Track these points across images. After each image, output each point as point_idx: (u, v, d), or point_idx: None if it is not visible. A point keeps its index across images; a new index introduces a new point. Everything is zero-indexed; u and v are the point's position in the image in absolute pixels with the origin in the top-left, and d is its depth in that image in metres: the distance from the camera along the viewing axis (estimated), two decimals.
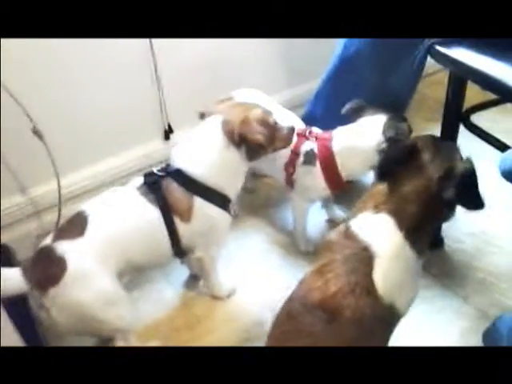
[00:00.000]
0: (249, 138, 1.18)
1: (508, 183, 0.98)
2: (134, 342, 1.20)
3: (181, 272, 1.49)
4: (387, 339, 0.99)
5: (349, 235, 0.95)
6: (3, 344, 0.76)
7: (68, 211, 1.40)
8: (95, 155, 1.58)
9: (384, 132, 1.31)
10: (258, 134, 1.18)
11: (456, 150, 0.98)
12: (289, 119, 1.38)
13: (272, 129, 1.23)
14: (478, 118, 1.39)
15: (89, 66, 1.44)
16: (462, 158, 0.97)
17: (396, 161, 0.97)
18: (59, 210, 1.45)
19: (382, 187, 0.97)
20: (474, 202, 0.95)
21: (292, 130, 1.30)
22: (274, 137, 1.25)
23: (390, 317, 0.95)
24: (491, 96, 1.37)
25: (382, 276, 0.91)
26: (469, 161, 0.95)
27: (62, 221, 1.19)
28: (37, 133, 1.33)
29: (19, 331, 0.84)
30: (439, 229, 1.48)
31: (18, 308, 0.99)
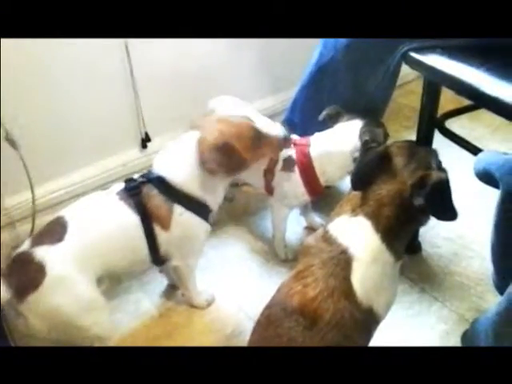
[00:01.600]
0: (207, 168, 1.17)
1: (484, 189, 0.98)
2: None
3: (158, 282, 1.47)
4: (367, 343, 0.99)
5: (327, 239, 0.95)
6: None
7: (43, 222, 1.38)
8: (71, 164, 1.56)
9: (360, 137, 1.32)
10: (213, 164, 1.15)
11: (433, 157, 0.99)
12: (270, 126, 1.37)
13: (249, 141, 1.19)
14: (453, 126, 1.41)
15: (64, 74, 1.43)
16: (439, 165, 0.98)
17: (368, 168, 0.97)
18: (33, 221, 1.43)
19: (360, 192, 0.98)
20: (447, 212, 0.95)
21: (281, 138, 1.26)
22: (256, 148, 1.21)
23: (369, 320, 0.95)
24: (466, 103, 1.41)
25: (360, 279, 0.91)
26: (444, 170, 0.96)
27: (37, 231, 1.16)
28: (10, 141, 1.31)
29: None
30: (416, 234, 1.50)
31: None
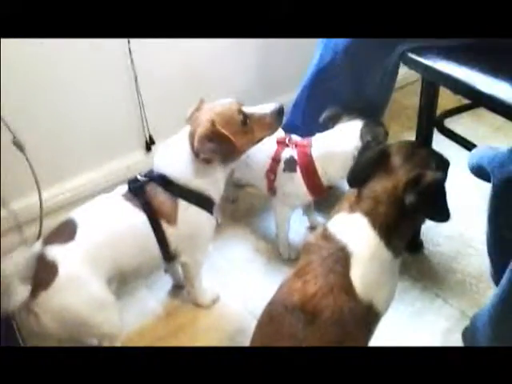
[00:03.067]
0: (201, 157, 1.19)
1: (484, 187, 0.99)
2: None
3: (163, 282, 1.49)
4: (368, 339, 1.00)
5: (326, 236, 0.97)
6: None
7: (50, 224, 1.41)
8: (77, 167, 1.58)
9: (362, 136, 1.34)
10: (206, 152, 1.17)
11: (433, 157, 1.00)
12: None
13: (238, 125, 1.21)
14: (455, 125, 1.43)
15: (69, 77, 1.45)
16: (439, 165, 0.99)
17: (365, 166, 0.99)
18: (41, 223, 1.45)
19: (358, 190, 1.00)
20: (439, 212, 0.97)
21: (275, 112, 1.25)
22: (247, 131, 1.23)
23: (369, 316, 0.96)
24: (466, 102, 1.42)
25: (359, 275, 0.93)
26: (444, 171, 0.97)
27: (44, 234, 1.19)
28: (17, 144, 1.34)
29: None
30: (418, 232, 1.51)
31: None
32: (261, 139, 1.29)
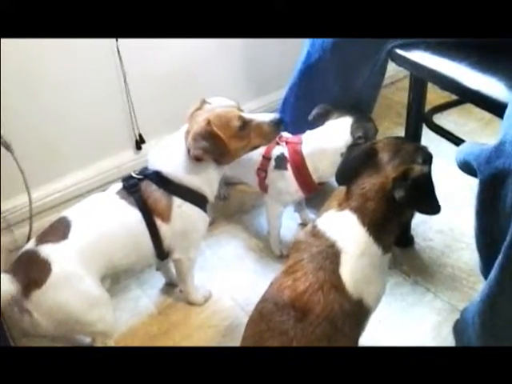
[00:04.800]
0: (192, 154, 1.20)
1: (474, 182, 0.99)
2: None
3: (155, 280, 1.49)
4: (358, 335, 1.01)
5: (315, 233, 0.98)
6: None
7: (39, 225, 1.41)
8: (65, 167, 1.58)
9: (352, 133, 1.35)
10: (198, 150, 1.18)
11: (419, 152, 1.00)
12: None
13: (235, 129, 1.22)
14: (444, 121, 1.44)
15: (57, 76, 1.45)
16: (427, 160, 0.99)
17: (353, 163, 0.99)
18: (30, 224, 1.45)
19: (347, 187, 1.00)
20: (429, 205, 0.97)
21: (274, 121, 1.27)
22: (243, 136, 1.24)
23: (360, 312, 0.97)
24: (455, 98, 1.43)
25: (348, 271, 0.93)
26: (428, 165, 0.97)
27: (34, 235, 1.19)
28: (4, 144, 1.33)
29: None
30: (409, 227, 1.52)
31: None
32: (256, 147, 1.30)
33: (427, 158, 1.00)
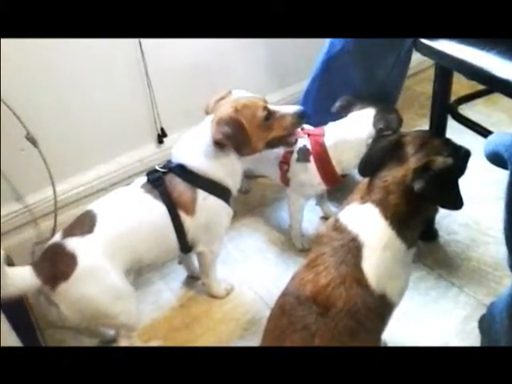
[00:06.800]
0: (214, 138, 1.20)
1: (500, 174, 0.97)
2: (137, 342, 1.22)
3: (178, 273, 1.50)
4: (381, 330, 1.00)
5: (337, 227, 0.96)
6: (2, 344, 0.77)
7: (63, 218, 1.43)
8: (89, 161, 1.59)
9: (374, 124, 1.33)
10: (219, 134, 1.19)
11: (445, 146, 0.98)
12: None
13: (259, 120, 1.23)
14: (469, 112, 1.40)
15: (81, 73, 1.46)
16: (453, 154, 0.96)
17: (378, 155, 0.97)
18: (55, 217, 1.47)
19: (369, 180, 0.99)
20: (451, 200, 0.95)
21: (298, 113, 1.28)
22: (267, 128, 1.25)
23: (383, 307, 0.95)
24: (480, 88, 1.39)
25: (371, 265, 0.92)
26: (451, 158, 0.94)
27: (59, 228, 1.20)
28: (30, 139, 1.35)
29: (16, 332, 0.84)
30: (433, 221, 1.49)
31: (15, 309, 0.99)
32: (277, 139, 1.29)
33: (459, 155, 0.98)
